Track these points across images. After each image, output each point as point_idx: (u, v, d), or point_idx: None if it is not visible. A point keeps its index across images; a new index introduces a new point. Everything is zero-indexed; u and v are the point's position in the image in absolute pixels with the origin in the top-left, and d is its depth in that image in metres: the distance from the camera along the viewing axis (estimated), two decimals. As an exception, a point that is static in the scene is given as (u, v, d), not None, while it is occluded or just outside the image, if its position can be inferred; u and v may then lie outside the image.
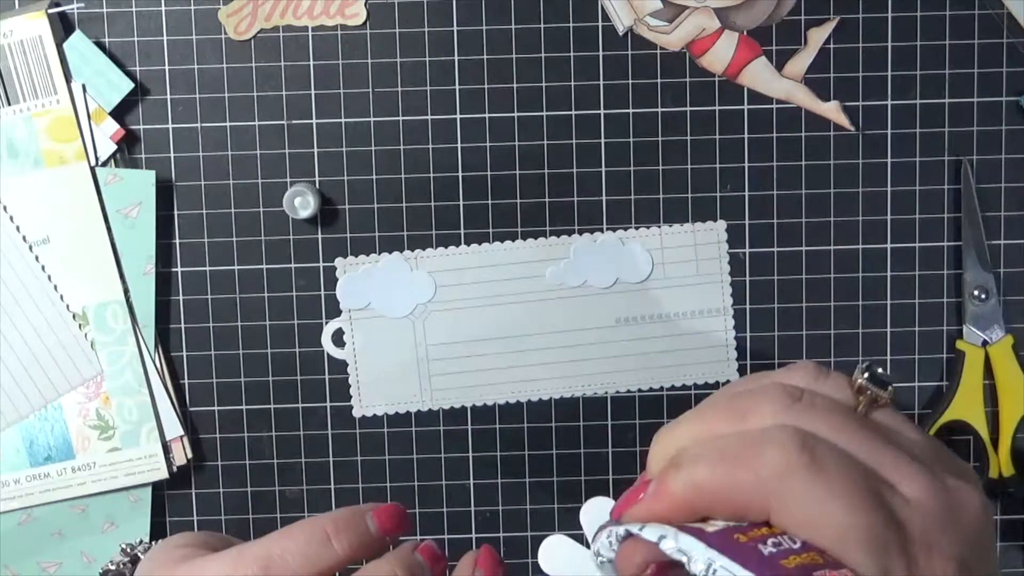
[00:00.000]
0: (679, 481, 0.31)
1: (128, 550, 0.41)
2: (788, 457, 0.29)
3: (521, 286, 0.56)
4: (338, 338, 0.56)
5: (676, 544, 0.29)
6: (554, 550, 0.55)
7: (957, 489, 0.31)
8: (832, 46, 0.55)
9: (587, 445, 0.57)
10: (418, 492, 0.57)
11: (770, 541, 0.29)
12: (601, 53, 0.55)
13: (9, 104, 0.53)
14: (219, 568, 0.34)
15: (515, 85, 0.55)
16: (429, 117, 0.55)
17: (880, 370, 0.33)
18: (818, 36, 0.48)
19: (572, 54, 0.55)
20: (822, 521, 0.29)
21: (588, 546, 0.45)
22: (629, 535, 0.32)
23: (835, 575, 0.28)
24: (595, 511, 0.56)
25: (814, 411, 0.31)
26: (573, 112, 0.55)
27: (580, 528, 0.46)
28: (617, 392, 0.56)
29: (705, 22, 0.47)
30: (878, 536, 0.29)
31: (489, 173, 0.56)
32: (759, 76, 0.48)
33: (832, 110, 0.54)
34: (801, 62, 0.48)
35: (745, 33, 0.53)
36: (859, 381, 0.33)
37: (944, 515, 0.30)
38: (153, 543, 0.39)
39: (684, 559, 0.29)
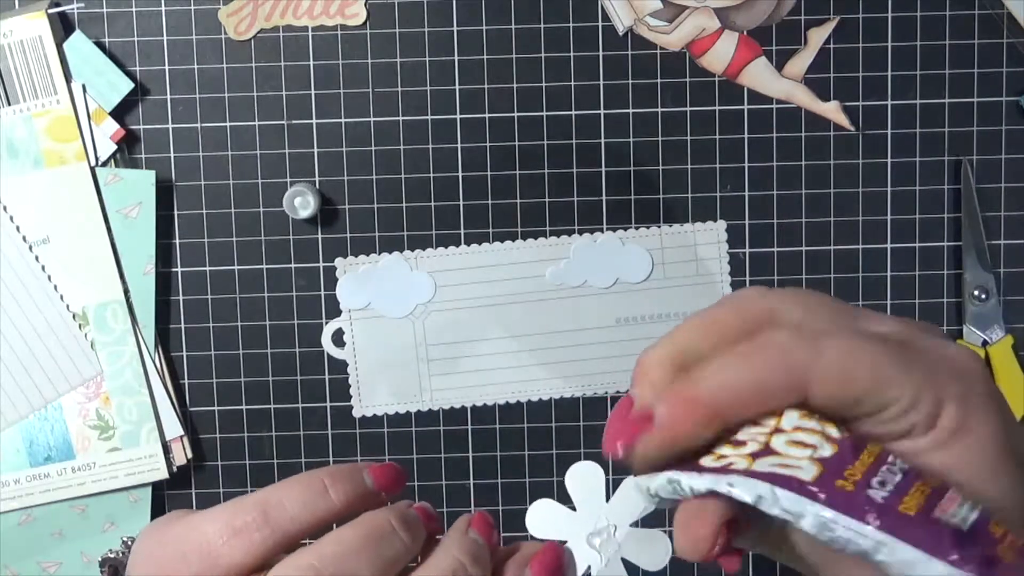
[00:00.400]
0: (706, 386, 0.29)
1: (129, 542, 0.41)
2: (797, 336, 0.29)
3: (521, 286, 0.56)
4: (338, 338, 0.56)
5: (780, 505, 0.27)
6: (542, 513, 0.55)
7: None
8: (832, 46, 0.55)
9: (587, 445, 0.57)
10: (418, 492, 0.57)
11: (874, 480, 0.28)
12: (601, 53, 0.55)
13: (9, 104, 0.53)
14: (218, 515, 0.35)
15: (515, 85, 0.55)
16: (429, 117, 0.55)
17: None
18: (818, 36, 0.48)
19: (572, 54, 0.55)
20: (855, 366, 0.29)
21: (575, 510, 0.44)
22: (710, 493, 0.29)
23: (949, 499, 0.27)
24: (582, 474, 0.56)
25: (808, 296, 0.32)
26: (573, 112, 0.55)
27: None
28: (617, 392, 0.56)
29: (705, 22, 0.47)
30: (899, 354, 0.30)
31: (489, 173, 0.56)
32: (759, 76, 0.48)
33: (832, 110, 0.54)
34: (801, 62, 0.48)
35: (745, 33, 0.53)
36: None
37: (917, 324, 0.32)
38: (123, 545, 0.39)
39: (791, 519, 0.27)
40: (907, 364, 0.30)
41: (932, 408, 0.29)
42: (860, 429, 0.30)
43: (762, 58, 0.47)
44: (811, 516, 0.27)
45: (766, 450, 0.29)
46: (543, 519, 0.56)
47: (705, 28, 0.44)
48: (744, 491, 0.28)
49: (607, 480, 0.52)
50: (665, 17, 0.47)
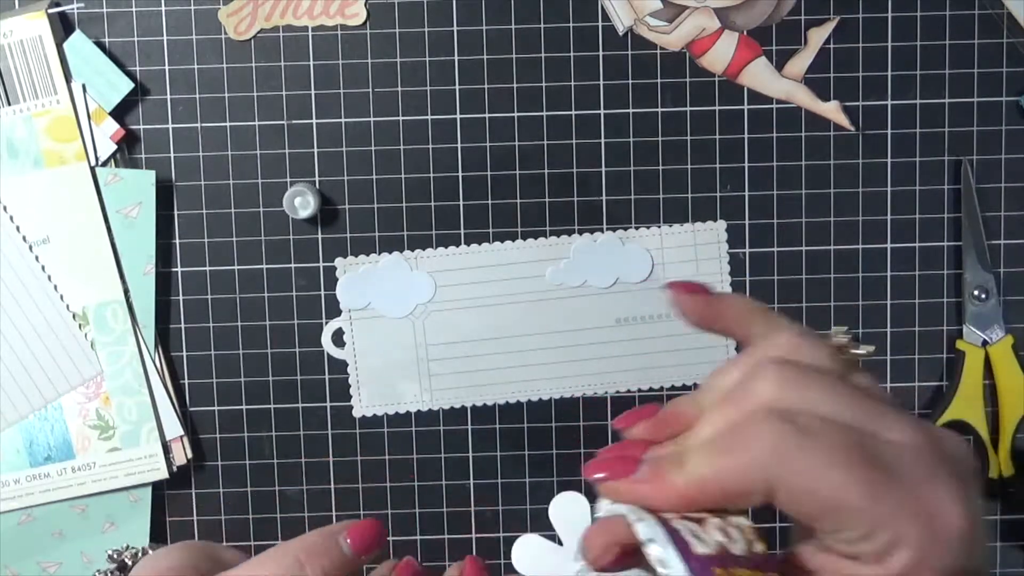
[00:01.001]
0: (685, 480, 0.31)
1: (115, 556, 0.41)
2: (777, 438, 0.30)
3: (521, 286, 0.56)
4: (338, 338, 0.56)
5: (661, 554, 0.30)
6: (526, 549, 0.55)
7: (939, 431, 0.32)
8: (832, 46, 0.55)
9: (587, 445, 0.57)
10: (418, 492, 0.57)
11: None
12: (601, 53, 0.55)
13: (9, 104, 0.53)
14: None
15: (515, 85, 0.55)
16: (429, 117, 0.55)
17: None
18: (818, 36, 0.48)
19: (572, 54, 0.55)
20: (819, 486, 0.30)
21: (561, 543, 0.45)
22: (622, 517, 0.32)
23: None
24: (564, 505, 0.56)
25: (799, 382, 0.32)
26: (573, 112, 0.55)
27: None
28: (617, 392, 0.56)
29: (705, 22, 0.47)
30: (871, 482, 0.30)
31: (489, 173, 0.56)
32: (759, 76, 0.48)
33: (832, 110, 0.54)
34: (801, 62, 0.48)
35: (745, 33, 0.53)
36: (839, 339, 0.34)
37: (932, 448, 0.31)
38: (141, 551, 0.39)
39: (661, 569, 0.29)
40: (877, 496, 0.30)
41: (885, 547, 0.30)
42: (820, 538, 0.31)
43: (762, 58, 0.47)
44: (669, 570, 0.29)
45: (696, 519, 0.31)
46: (529, 556, 0.56)
47: (705, 28, 0.45)
48: (643, 528, 0.30)
49: (592, 508, 0.52)
50: (665, 17, 0.47)
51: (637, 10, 0.52)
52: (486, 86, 0.55)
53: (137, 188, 0.54)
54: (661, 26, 0.46)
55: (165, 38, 0.54)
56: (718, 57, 0.48)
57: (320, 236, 0.56)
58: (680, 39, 0.46)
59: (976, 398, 0.56)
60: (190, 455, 0.56)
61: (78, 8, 0.54)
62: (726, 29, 0.46)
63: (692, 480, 0.31)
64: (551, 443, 0.57)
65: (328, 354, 0.56)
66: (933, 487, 0.30)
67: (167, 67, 0.54)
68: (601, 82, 0.55)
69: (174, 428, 0.55)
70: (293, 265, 0.56)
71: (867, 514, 0.30)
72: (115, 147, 0.53)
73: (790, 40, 0.54)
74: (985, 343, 0.56)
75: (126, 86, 0.53)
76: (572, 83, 0.55)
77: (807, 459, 0.30)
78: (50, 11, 0.53)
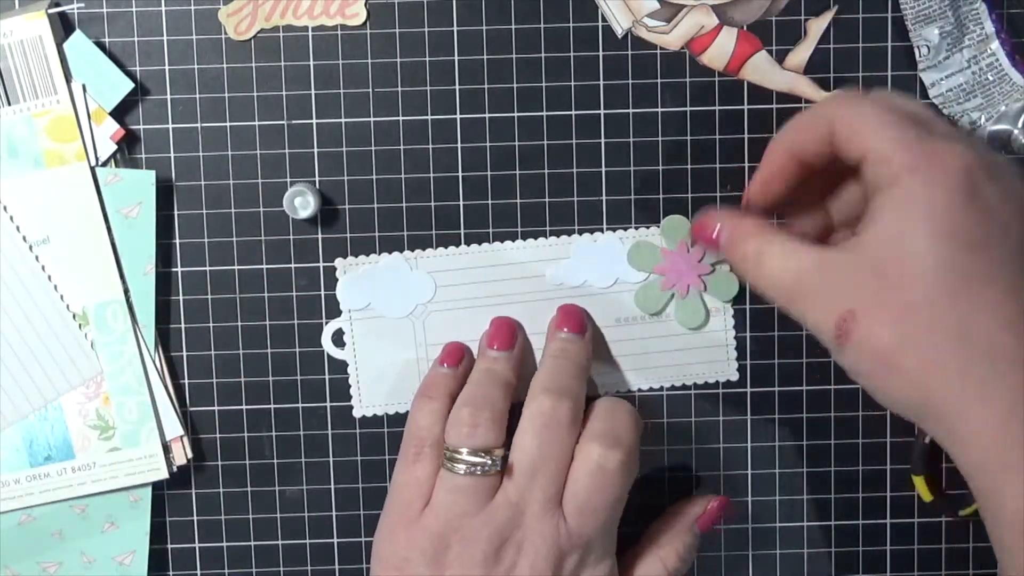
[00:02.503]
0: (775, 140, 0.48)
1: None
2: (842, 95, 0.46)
3: (521, 286, 0.56)
4: (338, 338, 0.56)
5: None
6: None
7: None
8: (832, 45, 0.55)
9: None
10: (418, 492, 0.57)
11: None
12: (601, 53, 0.55)
13: (9, 104, 0.53)
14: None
15: (515, 85, 0.55)
16: (429, 117, 0.55)
17: None
18: (817, 26, 0.48)
19: (572, 54, 0.55)
20: (866, 121, 0.41)
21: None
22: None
23: None
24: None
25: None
26: (573, 112, 0.55)
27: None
28: (617, 392, 0.56)
29: (703, 19, 0.47)
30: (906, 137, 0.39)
31: (489, 173, 0.56)
32: (761, 69, 0.48)
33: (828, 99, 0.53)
34: (801, 54, 0.48)
35: (744, 28, 0.52)
36: None
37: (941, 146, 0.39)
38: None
39: None
40: (905, 129, 0.39)
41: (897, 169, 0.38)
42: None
43: (763, 52, 0.47)
44: None
45: None
46: None
47: (704, 25, 0.45)
48: None
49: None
50: (663, 17, 0.48)
51: (634, 11, 0.52)
52: (486, 86, 0.55)
53: (137, 188, 0.54)
54: (659, 26, 0.46)
55: (165, 38, 0.54)
56: (718, 54, 0.48)
57: (320, 236, 0.56)
58: (679, 38, 0.46)
59: (976, 398, 0.56)
60: (190, 455, 0.56)
61: (78, 8, 0.54)
62: (724, 25, 0.46)
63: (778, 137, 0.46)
64: (551, 443, 0.57)
65: (328, 354, 0.56)
66: (951, 138, 0.39)
67: (167, 67, 0.55)
68: (601, 82, 0.55)
69: (174, 428, 0.55)
70: (293, 265, 0.56)
71: (893, 140, 0.39)
72: (115, 147, 0.53)
73: (789, 33, 0.55)
74: (985, 343, 0.56)
75: (126, 86, 0.53)
76: (572, 83, 0.55)
77: (861, 108, 0.41)
78: (50, 11, 0.53)
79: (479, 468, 0.47)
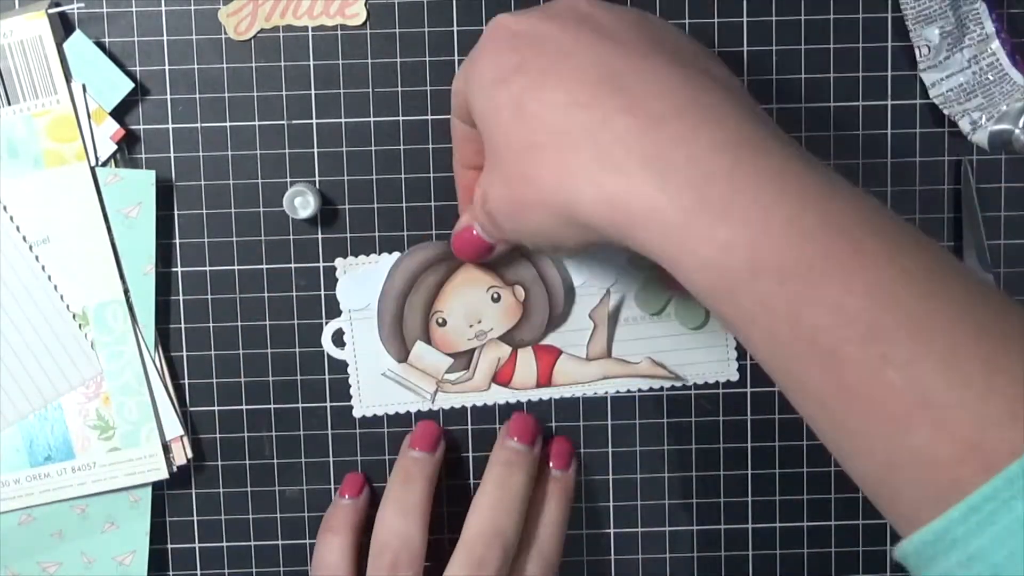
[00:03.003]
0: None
1: None
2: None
3: (521, 286, 0.56)
4: (338, 338, 0.56)
5: None
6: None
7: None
8: (832, 45, 0.55)
9: (587, 445, 0.57)
10: (418, 492, 0.57)
11: None
12: (601, 53, 0.55)
13: (9, 104, 0.53)
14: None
15: (515, 85, 0.55)
16: (429, 117, 0.55)
17: None
18: (600, 315, 0.49)
19: (572, 54, 0.55)
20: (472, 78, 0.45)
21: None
22: None
23: None
24: None
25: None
26: (573, 112, 0.55)
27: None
28: (617, 392, 0.56)
29: (497, 352, 0.48)
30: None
31: (489, 173, 0.55)
32: (569, 371, 0.50)
33: (645, 367, 0.53)
34: (599, 342, 0.49)
35: (535, 345, 0.53)
36: None
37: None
38: None
39: None
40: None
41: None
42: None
43: (563, 355, 0.49)
44: None
45: None
46: None
47: (500, 357, 0.46)
48: None
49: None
50: (460, 367, 0.50)
51: (433, 373, 0.53)
52: (486, 86, 0.55)
53: (137, 188, 0.54)
54: (462, 376, 0.48)
55: (165, 38, 0.54)
56: (525, 375, 0.49)
57: (320, 236, 0.56)
58: (484, 377, 0.48)
59: (976, 398, 0.56)
60: (190, 455, 0.56)
61: (78, 8, 0.54)
62: (518, 349, 0.47)
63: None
64: (551, 443, 0.57)
65: (328, 354, 0.56)
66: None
67: (167, 67, 0.55)
68: (601, 82, 0.55)
69: (174, 428, 0.55)
70: (293, 265, 0.56)
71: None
72: (115, 147, 0.53)
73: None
74: (985, 343, 0.56)
75: (126, 86, 0.53)
76: (572, 83, 0.55)
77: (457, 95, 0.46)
78: (50, 11, 0.53)
79: None
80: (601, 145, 0.36)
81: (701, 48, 0.43)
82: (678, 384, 0.52)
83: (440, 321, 0.43)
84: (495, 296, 0.44)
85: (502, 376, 0.45)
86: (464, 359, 0.45)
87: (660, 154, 0.35)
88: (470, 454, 0.57)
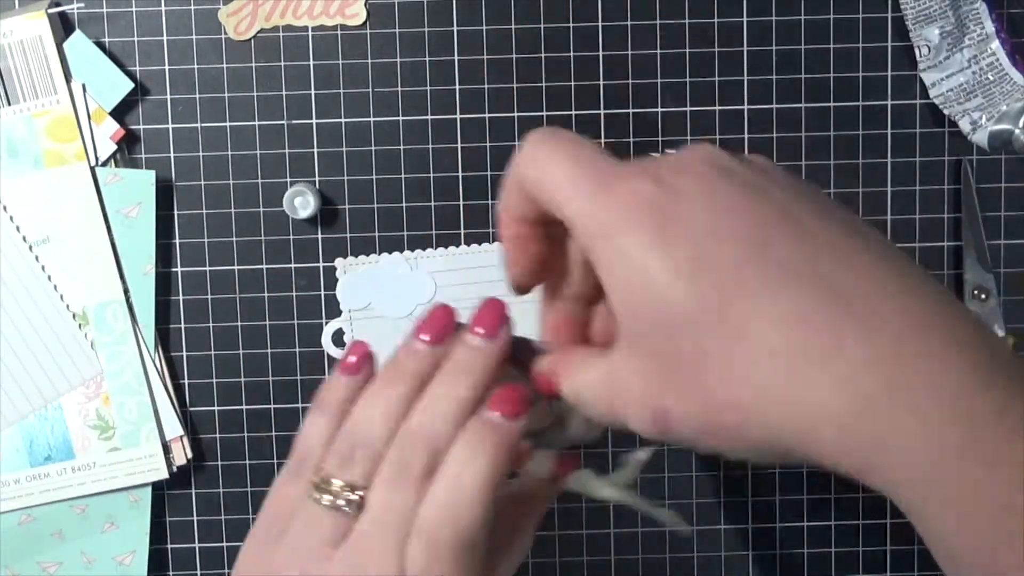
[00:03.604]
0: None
1: None
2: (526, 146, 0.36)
3: (521, 286, 0.56)
4: (338, 338, 0.56)
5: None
6: None
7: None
8: (832, 46, 0.55)
9: (587, 445, 0.57)
10: (418, 492, 0.57)
11: None
12: (601, 53, 0.55)
13: (9, 104, 0.53)
14: None
15: (515, 85, 0.55)
16: (429, 117, 0.55)
17: None
18: (637, 458, 0.46)
19: (572, 54, 0.55)
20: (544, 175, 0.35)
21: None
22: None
23: None
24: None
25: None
26: (573, 112, 0.55)
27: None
28: (617, 392, 0.56)
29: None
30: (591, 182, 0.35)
31: (489, 173, 0.56)
32: (586, 480, 0.45)
33: (667, 515, 0.47)
34: (622, 478, 0.46)
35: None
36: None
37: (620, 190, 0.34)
38: None
39: None
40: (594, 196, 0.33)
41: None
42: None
43: (586, 470, 0.45)
44: None
45: None
46: None
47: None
48: None
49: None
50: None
51: None
52: (486, 86, 0.55)
53: (137, 188, 0.54)
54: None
55: (165, 38, 0.54)
56: (538, 467, 0.46)
57: (320, 236, 0.56)
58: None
59: (976, 398, 0.56)
60: (190, 455, 0.56)
61: (78, 8, 0.54)
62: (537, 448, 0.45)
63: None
64: (551, 443, 0.57)
65: (328, 354, 0.56)
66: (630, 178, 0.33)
67: (167, 67, 0.55)
68: (601, 82, 0.55)
69: (174, 428, 0.55)
70: (293, 265, 0.56)
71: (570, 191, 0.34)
72: (115, 147, 0.53)
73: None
74: (985, 343, 0.56)
75: (126, 86, 0.53)
76: (572, 83, 0.55)
77: (536, 164, 0.35)
78: (50, 11, 0.53)
79: (343, 506, 0.39)
80: (837, 373, 0.30)
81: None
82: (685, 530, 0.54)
83: None
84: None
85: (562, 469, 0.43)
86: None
87: (908, 382, 0.29)
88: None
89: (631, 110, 0.55)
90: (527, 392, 0.39)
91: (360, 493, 0.39)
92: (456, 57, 0.55)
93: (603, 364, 0.36)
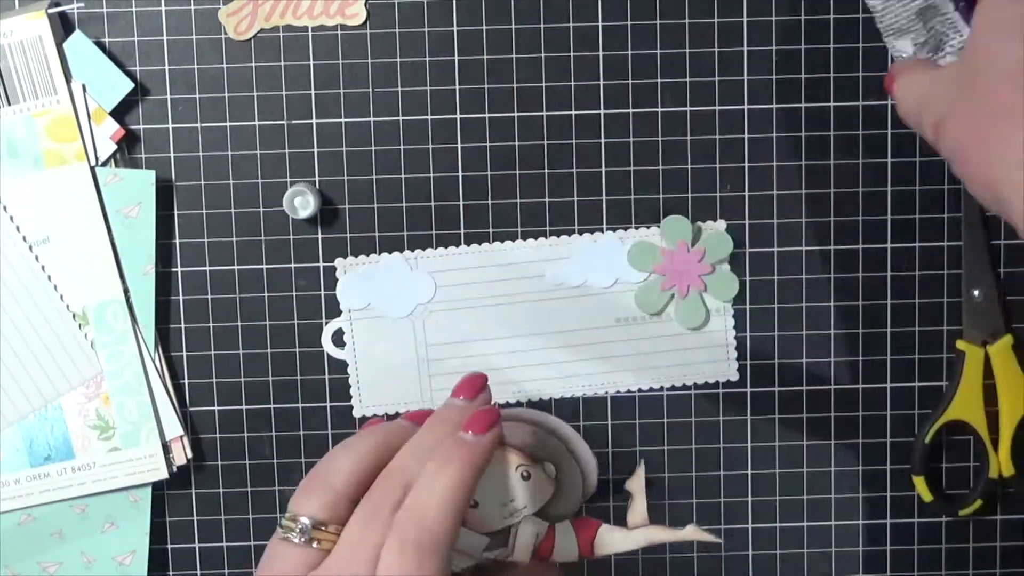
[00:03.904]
0: None
1: None
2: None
3: (521, 286, 0.56)
4: (338, 338, 0.56)
5: None
6: None
7: None
8: (832, 46, 0.55)
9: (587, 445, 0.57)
10: (418, 492, 0.57)
11: None
12: (601, 53, 0.55)
13: (9, 104, 0.53)
14: None
15: (515, 85, 0.55)
16: (429, 117, 0.55)
17: None
18: (637, 484, 0.46)
19: (572, 54, 0.55)
20: None
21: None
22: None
23: None
24: None
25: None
26: (573, 112, 0.55)
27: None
28: (617, 392, 0.56)
29: (535, 528, 0.46)
30: None
31: (489, 173, 0.56)
32: (612, 542, 0.45)
33: (690, 532, 0.47)
34: (638, 511, 0.46)
35: (572, 519, 0.45)
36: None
37: None
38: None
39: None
40: None
41: None
42: None
43: (603, 526, 0.46)
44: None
45: None
46: None
47: (538, 533, 0.44)
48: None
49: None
50: (498, 545, 0.44)
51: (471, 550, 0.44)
52: (486, 86, 0.55)
53: (137, 188, 0.54)
54: (501, 553, 0.44)
55: (165, 38, 0.54)
56: (565, 547, 0.46)
57: (320, 236, 0.56)
58: (524, 551, 0.45)
59: (976, 398, 0.56)
60: (190, 455, 0.56)
61: (78, 8, 0.54)
62: (555, 523, 0.45)
63: None
64: (551, 443, 0.57)
65: (328, 354, 0.56)
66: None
67: (167, 67, 0.55)
68: (601, 82, 0.55)
69: (174, 428, 0.55)
70: (293, 265, 0.56)
71: None
72: (115, 147, 0.53)
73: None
74: (985, 343, 0.56)
75: (126, 86, 0.53)
76: (572, 83, 0.55)
77: None
78: (50, 11, 0.53)
79: (292, 535, 0.39)
80: None
81: None
82: (715, 544, 0.56)
83: (472, 503, 0.42)
84: (524, 474, 0.43)
85: (542, 551, 0.44)
86: (501, 536, 0.43)
87: None
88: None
89: (631, 110, 0.55)
90: (496, 412, 0.41)
91: (305, 523, 0.39)
92: (456, 57, 0.55)
93: (934, 73, 0.45)
